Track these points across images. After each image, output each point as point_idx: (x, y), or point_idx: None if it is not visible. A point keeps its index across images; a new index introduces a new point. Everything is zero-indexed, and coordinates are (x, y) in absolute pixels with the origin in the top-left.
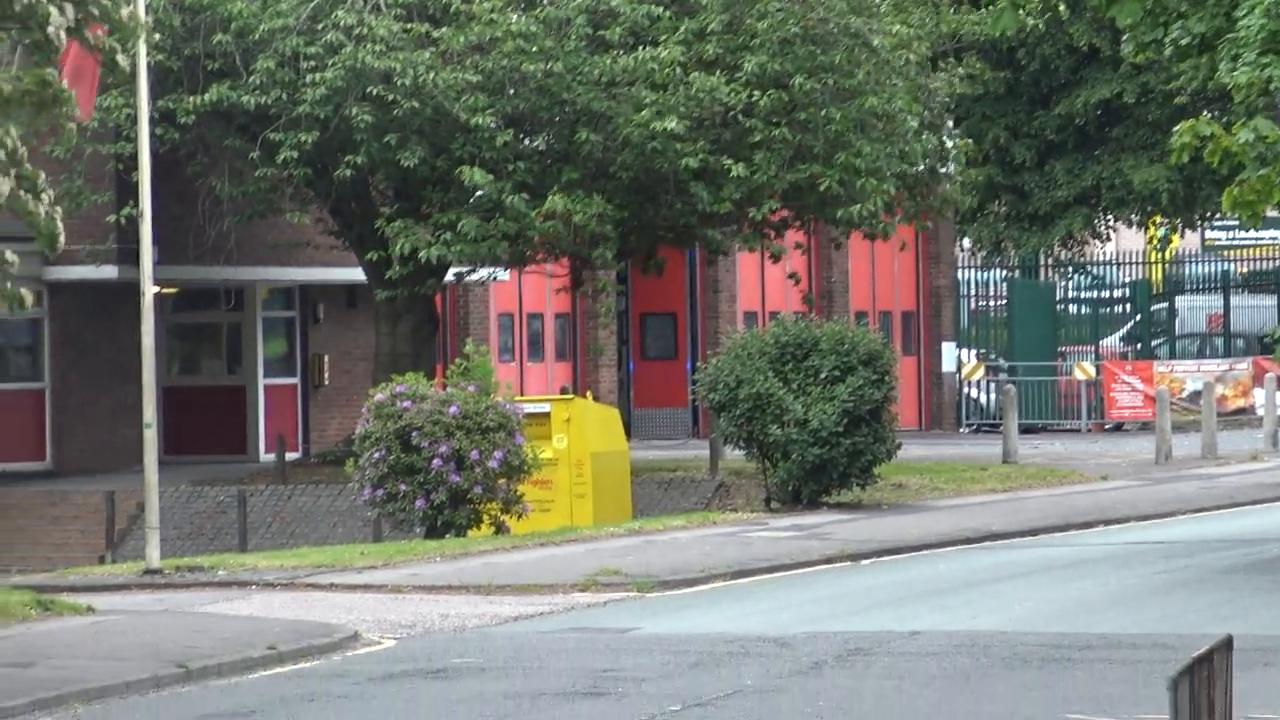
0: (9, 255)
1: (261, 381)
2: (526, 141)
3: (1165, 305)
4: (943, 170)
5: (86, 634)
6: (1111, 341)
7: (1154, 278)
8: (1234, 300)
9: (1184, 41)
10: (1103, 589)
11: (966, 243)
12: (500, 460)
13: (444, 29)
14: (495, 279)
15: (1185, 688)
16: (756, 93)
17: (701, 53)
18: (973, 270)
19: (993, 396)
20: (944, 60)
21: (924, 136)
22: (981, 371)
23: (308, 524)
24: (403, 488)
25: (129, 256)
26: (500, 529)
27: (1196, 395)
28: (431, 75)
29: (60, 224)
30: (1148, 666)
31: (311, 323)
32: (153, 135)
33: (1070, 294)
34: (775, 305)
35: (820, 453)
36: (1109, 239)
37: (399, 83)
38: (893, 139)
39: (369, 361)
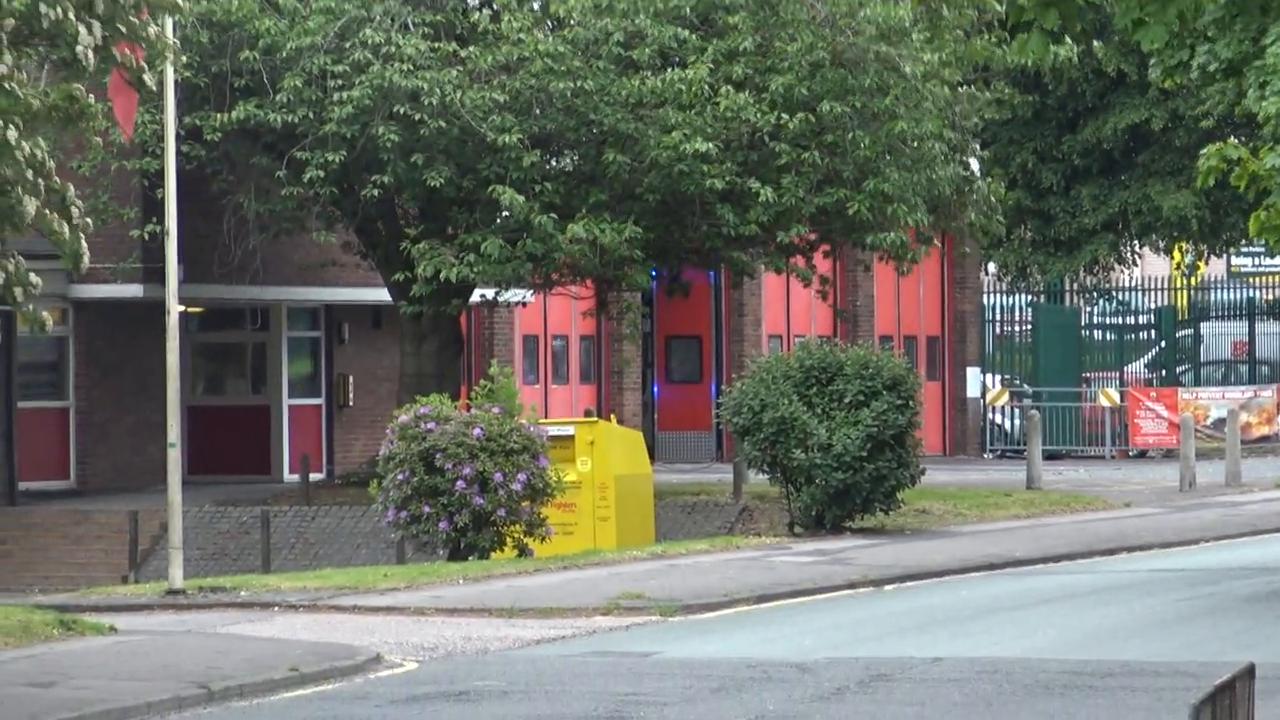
0: (33, 278)
1: (286, 402)
2: (553, 162)
3: (1190, 332)
4: (972, 196)
5: (108, 654)
6: (1136, 368)
7: (1179, 304)
8: (1259, 327)
9: (1211, 67)
10: (1125, 616)
11: (992, 268)
12: (524, 483)
13: (471, 48)
14: (524, 303)
15: (1207, 715)
16: (784, 115)
17: (729, 74)
18: (998, 295)
19: (1017, 422)
20: (973, 86)
21: (951, 164)
22: (1006, 397)
23: (331, 545)
24: (426, 509)
25: (154, 275)
26: (523, 552)
27: (1221, 422)
28: (459, 95)
29: (85, 243)
30: (1170, 694)
31: (336, 343)
32: (179, 152)
33: (1095, 320)
34: (800, 329)
35: (844, 477)
36: (1135, 265)
37: (426, 102)
38: (920, 164)
39: (394, 382)
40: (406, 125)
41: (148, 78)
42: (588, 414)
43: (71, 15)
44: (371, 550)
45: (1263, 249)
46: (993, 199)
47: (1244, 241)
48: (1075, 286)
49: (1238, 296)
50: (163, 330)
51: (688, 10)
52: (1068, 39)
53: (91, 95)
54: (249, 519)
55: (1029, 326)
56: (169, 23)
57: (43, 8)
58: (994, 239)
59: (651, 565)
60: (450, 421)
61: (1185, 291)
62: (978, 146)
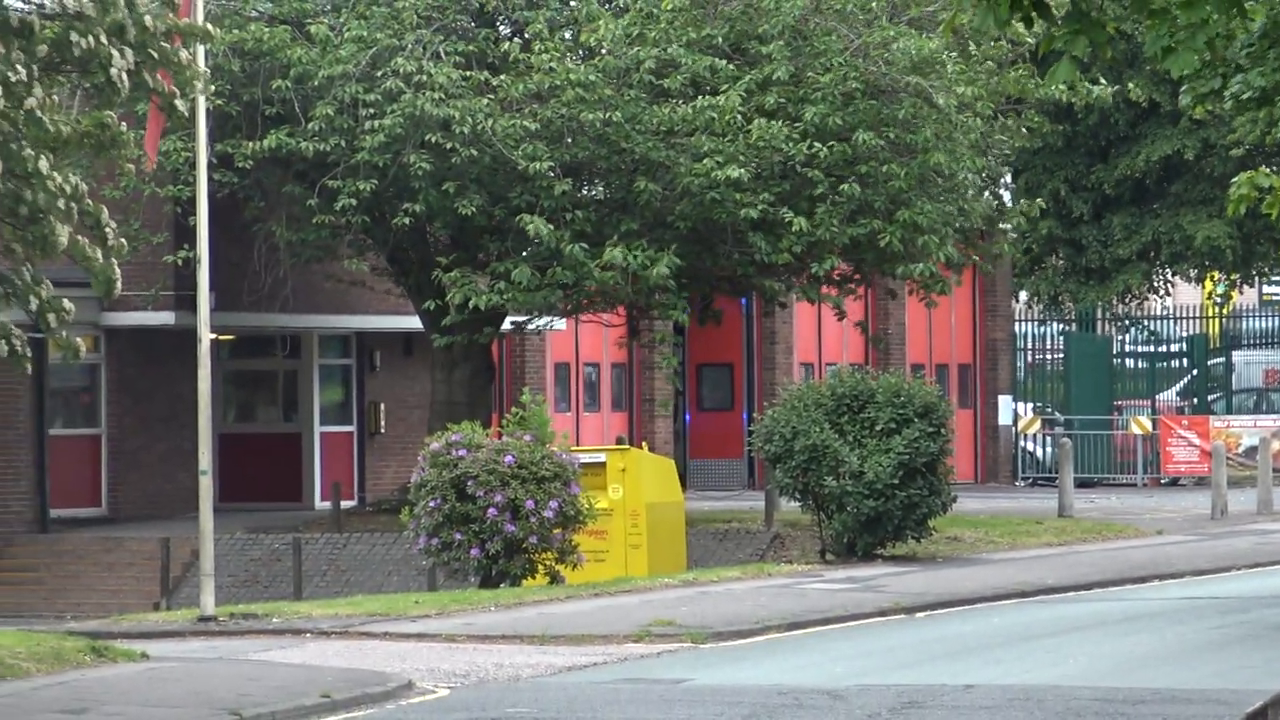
0: (66, 303)
1: (318, 429)
2: (585, 190)
3: (1222, 360)
4: (1001, 225)
5: (140, 681)
6: (1168, 396)
7: (1211, 332)
8: None
9: (1245, 95)
10: (1157, 644)
11: (1023, 296)
12: (555, 510)
13: (503, 77)
14: (550, 328)
15: None
16: (817, 144)
17: (762, 103)
18: (1029, 323)
19: (1048, 450)
20: (1004, 116)
21: (984, 195)
22: (1037, 425)
23: (362, 572)
24: (458, 537)
25: (186, 302)
26: (555, 579)
27: (1252, 450)
28: (490, 123)
29: (118, 269)
30: None
31: (368, 370)
32: (211, 180)
33: (1127, 348)
34: (832, 357)
35: (875, 505)
36: (1168, 294)
37: (458, 130)
38: (952, 196)
39: (425, 410)
40: (438, 154)
41: (180, 103)
42: (619, 441)
43: (104, 39)
44: (403, 577)
45: None
46: (1024, 219)
47: (1276, 269)
48: (1107, 315)
49: (1269, 324)
50: (194, 357)
51: (720, 40)
52: (1103, 80)
53: (123, 123)
54: (281, 546)
55: (1060, 355)
56: (200, 50)
57: (74, 36)
58: (1011, 257)
59: (683, 592)
60: (482, 449)
61: (1217, 320)
62: (1009, 178)
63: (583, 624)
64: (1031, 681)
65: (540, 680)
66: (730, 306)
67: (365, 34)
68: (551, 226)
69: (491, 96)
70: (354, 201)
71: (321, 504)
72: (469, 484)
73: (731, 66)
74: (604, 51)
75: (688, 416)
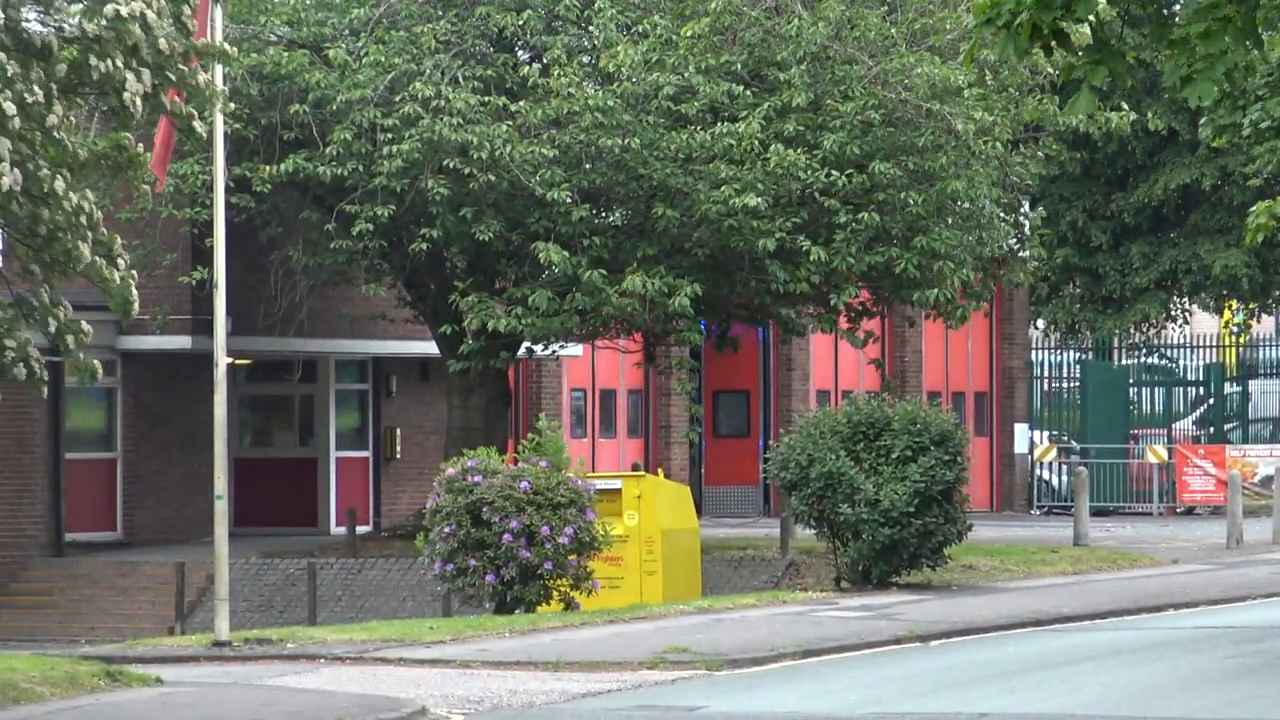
0: (84, 325)
1: (333, 454)
2: (602, 216)
3: (1239, 389)
4: (1021, 253)
5: (154, 706)
6: (1184, 425)
7: (1228, 361)
8: None
9: (1264, 124)
10: (1172, 673)
11: (1040, 324)
12: (571, 536)
13: (521, 103)
14: (564, 351)
15: None
16: (835, 173)
17: (780, 130)
18: (1046, 352)
19: (1064, 479)
20: (1023, 146)
21: (1002, 222)
22: (1053, 453)
23: (377, 598)
24: (473, 562)
25: (202, 326)
26: (570, 605)
27: (1269, 480)
28: (508, 149)
29: (135, 291)
30: None
31: (384, 395)
32: (228, 204)
33: (1143, 377)
34: (848, 384)
35: (891, 533)
36: (1186, 323)
37: (475, 156)
38: (971, 223)
39: (441, 435)
40: (456, 179)
41: (198, 125)
42: (635, 468)
43: (120, 63)
44: (418, 603)
45: None
46: (1039, 239)
47: None
48: (1124, 343)
49: None
50: (210, 382)
51: (739, 66)
52: (1124, 105)
53: (140, 145)
54: (295, 571)
55: (1077, 383)
56: (219, 71)
57: (92, 59)
58: (1027, 284)
59: (698, 619)
60: (497, 475)
61: (1233, 349)
62: (1027, 206)
63: (597, 650)
64: (1046, 710)
65: (554, 707)
66: (747, 334)
67: (384, 59)
68: (566, 253)
69: (510, 122)
70: (371, 226)
71: (337, 529)
72: (484, 510)
73: (749, 93)
74: (622, 77)
75: (703, 443)
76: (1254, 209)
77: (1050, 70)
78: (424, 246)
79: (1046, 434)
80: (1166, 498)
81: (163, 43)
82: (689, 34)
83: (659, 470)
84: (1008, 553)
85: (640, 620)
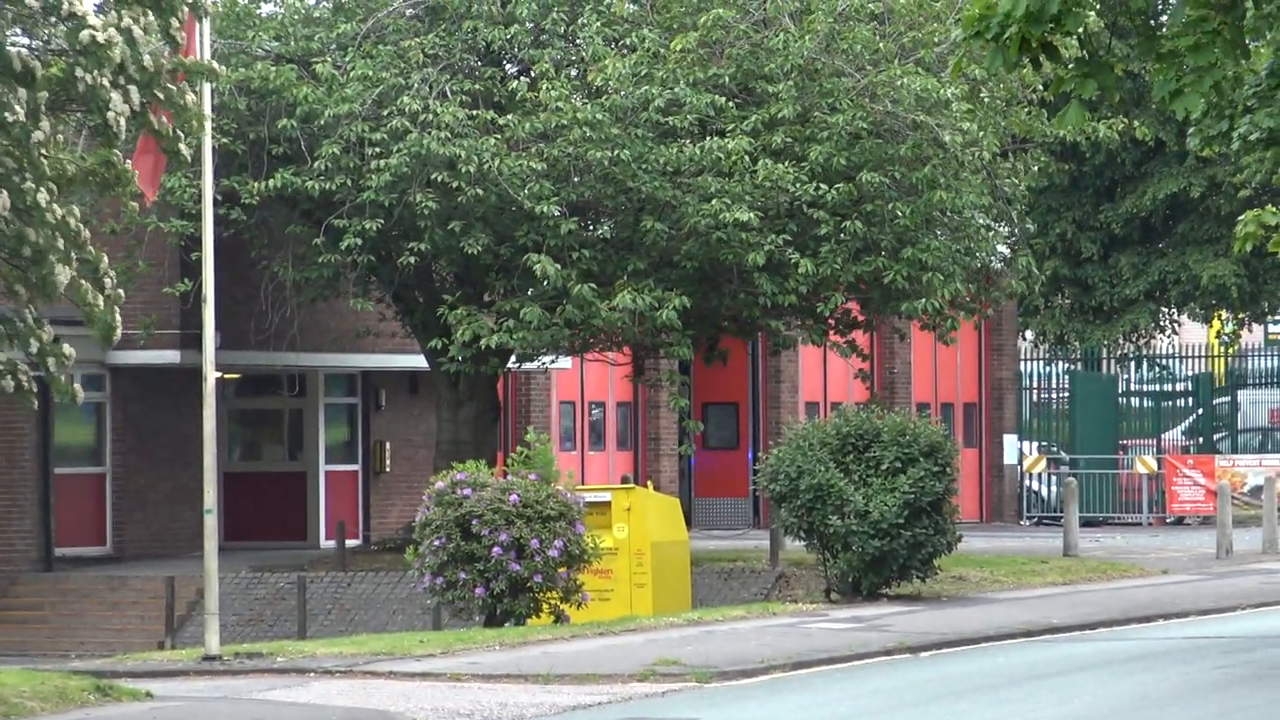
0: (67, 349)
1: (323, 468)
2: (591, 230)
3: (1227, 399)
4: (1008, 265)
5: None
6: (1173, 435)
7: (1216, 371)
8: None
9: (1253, 136)
10: (1162, 683)
11: (1029, 335)
12: (560, 549)
13: (509, 116)
14: (554, 360)
15: None
16: (823, 185)
17: (769, 143)
18: (1035, 362)
19: (1054, 489)
20: (1012, 156)
21: (991, 233)
22: (1043, 464)
23: (367, 611)
24: (462, 576)
25: (191, 341)
26: (559, 618)
27: (1258, 490)
28: (496, 162)
29: (118, 316)
30: None
31: (373, 409)
32: (216, 218)
33: (1132, 387)
34: (837, 396)
35: (881, 544)
36: (1175, 333)
37: (464, 170)
38: (959, 234)
39: (430, 448)
40: (444, 193)
41: (184, 146)
42: (624, 480)
43: (106, 81)
44: (407, 616)
45: None
46: (1032, 270)
47: None
48: (1113, 354)
49: (1275, 364)
50: (199, 396)
51: (727, 79)
52: (1123, 117)
53: (127, 160)
54: (285, 585)
55: (1066, 394)
56: (207, 89)
57: (79, 72)
58: (1029, 306)
59: (688, 631)
60: (487, 488)
61: (1222, 359)
62: (1014, 216)
63: (587, 663)
64: None
65: (544, 719)
66: (736, 346)
67: (371, 73)
68: (559, 266)
69: (498, 136)
70: (359, 241)
71: (326, 543)
72: (474, 523)
73: (733, 105)
74: (610, 90)
75: (692, 455)
76: (1242, 218)
77: (1039, 85)
78: (412, 260)
79: (1036, 445)
80: (1156, 508)
81: (148, 59)
82: (677, 48)
83: (648, 483)
84: (997, 564)
85: (630, 632)
